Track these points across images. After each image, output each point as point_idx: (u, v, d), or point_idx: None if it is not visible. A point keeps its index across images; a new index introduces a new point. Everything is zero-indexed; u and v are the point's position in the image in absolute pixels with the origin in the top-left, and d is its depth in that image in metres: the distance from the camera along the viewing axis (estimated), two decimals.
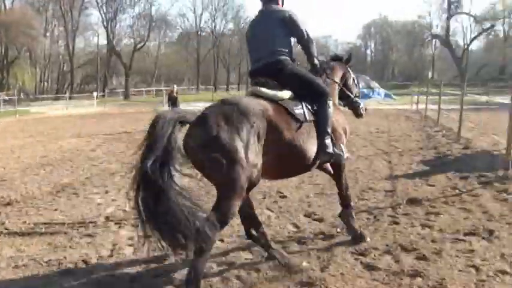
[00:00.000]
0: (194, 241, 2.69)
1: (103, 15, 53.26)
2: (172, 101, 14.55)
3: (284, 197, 5.81)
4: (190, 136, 2.92)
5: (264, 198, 5.75)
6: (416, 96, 22.53)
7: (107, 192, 6.30)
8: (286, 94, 3.49)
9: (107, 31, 53.47)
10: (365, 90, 33.46)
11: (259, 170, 3.02)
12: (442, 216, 4.84)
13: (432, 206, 5.20)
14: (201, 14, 70.73)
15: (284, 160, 3.25)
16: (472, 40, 68.88)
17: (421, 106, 20.61)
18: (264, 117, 3.09)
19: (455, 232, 4.29)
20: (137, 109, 28.10)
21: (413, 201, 5.37)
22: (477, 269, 3.46)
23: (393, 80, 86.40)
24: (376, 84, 36.88)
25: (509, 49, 58.70)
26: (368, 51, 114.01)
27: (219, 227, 2.83)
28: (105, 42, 54.73)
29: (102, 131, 14.75)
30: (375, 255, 3.75)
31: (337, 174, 4.05)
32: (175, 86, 16.60)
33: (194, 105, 27.15)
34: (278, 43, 3.65)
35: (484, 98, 22.56)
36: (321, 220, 4.81)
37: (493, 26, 62.23)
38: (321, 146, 3.46)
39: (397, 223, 4.62)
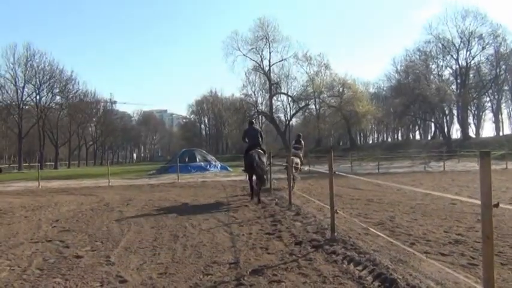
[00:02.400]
0: (263, 180, 12.41)
1: None
2: None
3: (124, 281, 5.35)
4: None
5: (102, 285, 5.21)
6: None
7: None
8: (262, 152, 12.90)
9: None
10: (202, 163, 34.49)
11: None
12: (283, 283, 5.01)
13: (274, 274, 5.36)
14: (24, 87, 65.00)
15: None
16: (292, 116, 77.88)
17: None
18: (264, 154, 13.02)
19: None
20: None
21: (256, 272, 5.46)
22: None
23: (228, 153, 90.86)
24: (213, 157, 38.31)
25: (322, 125, 67.46)
26: (203, 126, 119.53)
27: (265, 181, 12.66)
28: None
29: None
30: None
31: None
32: None
33: (15, 184, 24.14)
34: (257, 140, 13.29)
35: (306, 167, 25.13)
36: None
37: (307, 104, 71.26)
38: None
39: None
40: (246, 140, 13.65)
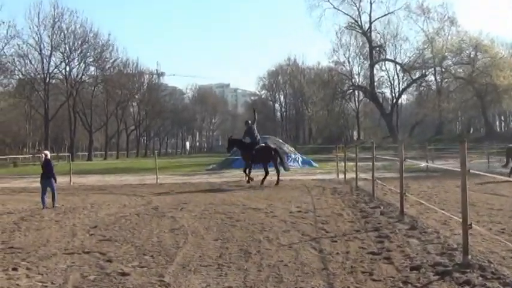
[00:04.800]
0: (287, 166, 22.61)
1: None
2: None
3: None
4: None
5: None
6: (343, 163, 23.74)
7: None
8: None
9: None
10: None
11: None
12: None
13: None
14: (50, 55, 69.14)
15: None
16: (401, 92, 75.77)
17: (350, 175, 21.75)
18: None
19: None
20: None
21: None
22: None
23: (311, 142, 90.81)
24: (291, 148, 38.50)
25: (444, 104, 64.73)
26: (277, 105, 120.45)
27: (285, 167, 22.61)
28: None
29: None
30: None
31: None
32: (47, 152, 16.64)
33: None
34: (256, 134, 22.10)
35: (422, 164, 24.52)
36: None
37: (423, 75, 68.95)
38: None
39: None
40: (247, 138, 22.05)
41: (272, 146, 23.39)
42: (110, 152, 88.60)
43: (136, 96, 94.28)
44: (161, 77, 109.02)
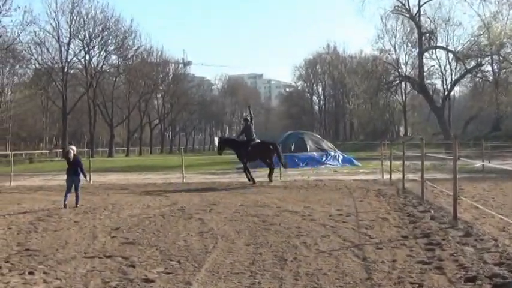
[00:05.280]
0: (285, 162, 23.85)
1: None
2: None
3: None
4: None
5: None
6: (388, 162, 23.53)
7: None
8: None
9: None
10: (315, 154, 34.67)
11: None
12: None
13: None
14: (69, 43, 70.14)
15: None
16: (454, 83, 74.62)
17: (396, 175, 21.55)
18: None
19: None
20: None
21: None
22: None
23: (353, 138, 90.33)
24: (330, 145, 38.33)
25: (502, 96, 63.47)
26: (315, 98, 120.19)
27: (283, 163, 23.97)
28: None
29: None
30: None
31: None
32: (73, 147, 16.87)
33: (59, 177, 26.30)
34: (253, 132, 23.06)
35: (477, 163, 24.13)
36: None
37: (479, 64, 67.68)
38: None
39: None
40: (243, 137, 23.50)
41: (270, 141, 25.22)
42: (132, 147, 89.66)
43: (161, 88, 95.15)
44: (188, 67, 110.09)
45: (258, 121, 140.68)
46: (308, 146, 35.33)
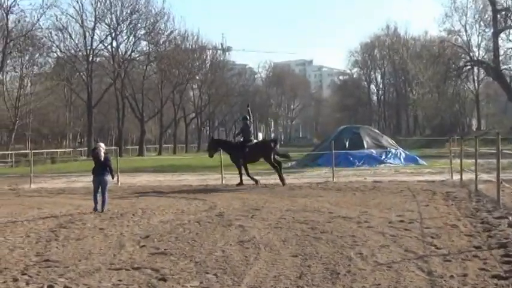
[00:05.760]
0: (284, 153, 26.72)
1: None
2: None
3: None
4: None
5: None
6: (458, 160, 23.18)
7: None
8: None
9: None
10: (373, 151, 34.39)
11: None
12: None
13: None
14: (94, 28, 71.01)
15: None
16: None
17: (468, 175, 21.19)
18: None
19: None
20: None
21: None
22: None
23: (417, 133, 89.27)
24: (390, 141, 37.99)
25: None
26: (373, 86, 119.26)
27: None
28: None
29: None
30: None
31: None
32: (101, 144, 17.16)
33: (84, 179, 26.70)
34: (252, 133, 25.00)
35: None
36: None
37: None
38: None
39: None
40: (239, 137, 25.18)
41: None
42: (165, 145, 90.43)
43: (197, 77, 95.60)
44: (227, 53, 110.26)
45: (307, 115, 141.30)
46: (365, 142, 35.20)
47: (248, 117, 24.29)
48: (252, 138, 24.38)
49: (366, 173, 26.94)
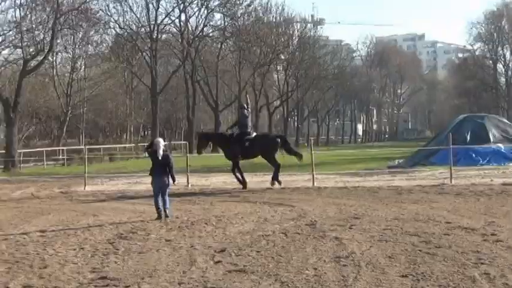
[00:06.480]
0: (295, 151, 26.24)
1: None
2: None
3: None
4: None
5: None
6: None
7: None
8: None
9: None
10: (501, 146, 33.58)
11: None
12: None
13: None
14: (158, 1, 71.30)
15: None
16: None
17: None
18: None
19: None
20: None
21: None
22: None
23: None
24: None
25: None
26: (500, 66, 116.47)
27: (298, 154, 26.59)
28: None
29: None
30: None
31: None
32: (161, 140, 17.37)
33: (148, 179, 27.09)
34: (250, 125, 25.87)
35: None
36: None
37: None
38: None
39: None
40: (235, 129, 25.41)
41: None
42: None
43: (283, 56, 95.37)
44: (319, 27, 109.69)
45: (418, 101, 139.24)
46: (491, 135, 34.52)
47: (246, 105, 25.09)
48: (250, 130, 24.60)
49: (493, 174, 26.38)
